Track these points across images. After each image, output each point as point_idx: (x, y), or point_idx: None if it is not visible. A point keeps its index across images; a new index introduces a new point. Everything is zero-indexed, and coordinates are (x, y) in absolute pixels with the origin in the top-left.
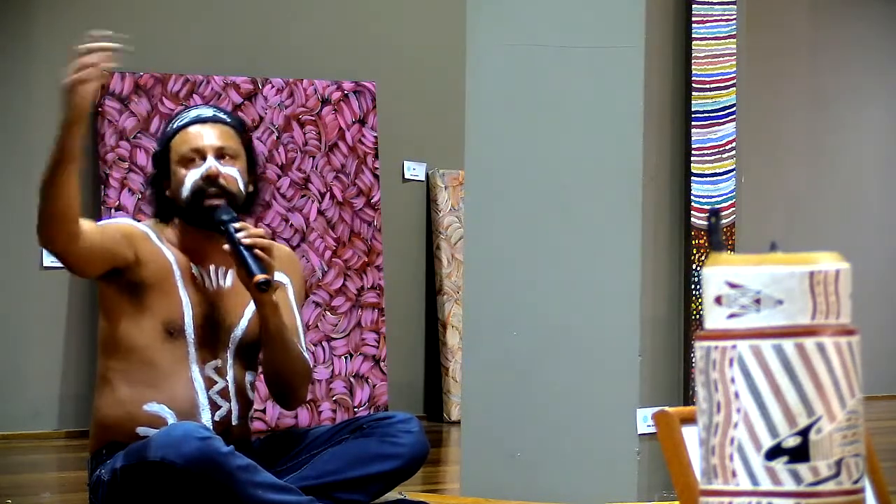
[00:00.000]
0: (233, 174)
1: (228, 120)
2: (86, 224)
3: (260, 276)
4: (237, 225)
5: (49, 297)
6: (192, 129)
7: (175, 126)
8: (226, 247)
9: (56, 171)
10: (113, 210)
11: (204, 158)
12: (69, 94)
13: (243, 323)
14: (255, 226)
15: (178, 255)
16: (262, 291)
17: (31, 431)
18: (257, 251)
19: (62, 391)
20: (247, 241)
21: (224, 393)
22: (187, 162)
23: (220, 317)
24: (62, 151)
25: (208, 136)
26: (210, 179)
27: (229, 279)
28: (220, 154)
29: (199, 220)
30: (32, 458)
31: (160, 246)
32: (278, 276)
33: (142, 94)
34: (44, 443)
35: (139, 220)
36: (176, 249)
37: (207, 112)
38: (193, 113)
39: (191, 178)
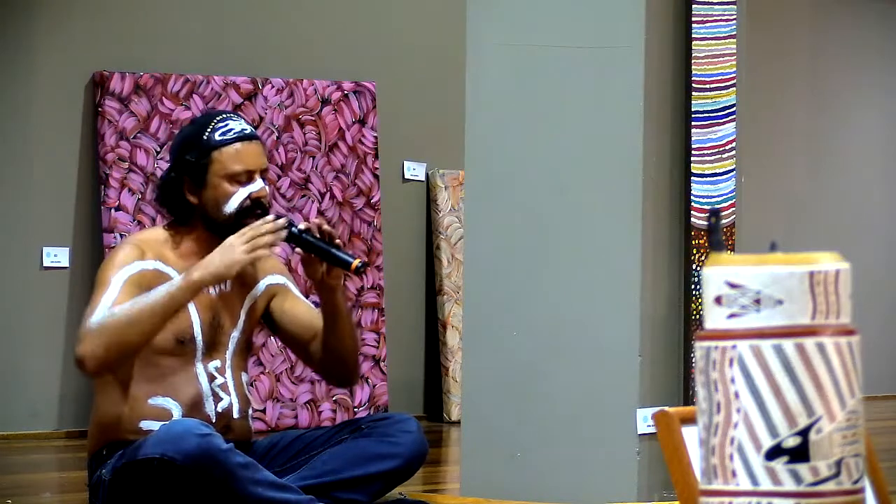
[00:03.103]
0: (266, 188)
1: (259, 135)
2: None
3: (357, 261)
4: (302, 226)
5: (49, 297)
6: (241, 146)
7: (218, 139)
8: (298, 250)
9: (171, 313)
10: (113, 210)
11: (251, 178)
12: (237, 256)
13: (240, 324)
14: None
15: (184, 268)
16: (360, 273)
17: (31, 431)
18: (336, 241)
19: (62, 391)
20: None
21: (224, 388)
22: (235, 179)
23: (221, 320)
24: (190, 297)
25: (257, 157)
26: (258, 201)
27: (228, 283)
28: (263, 174)
29: (230, 232)
30: (32, 458)
31: (167, 270)
32: (277, 279)
33: (142, 94)
34: (43, 443)
35: (144, 225)
36: (183, 262)
37: (246, 128)
38: (236, 128)
39: (239, 196)
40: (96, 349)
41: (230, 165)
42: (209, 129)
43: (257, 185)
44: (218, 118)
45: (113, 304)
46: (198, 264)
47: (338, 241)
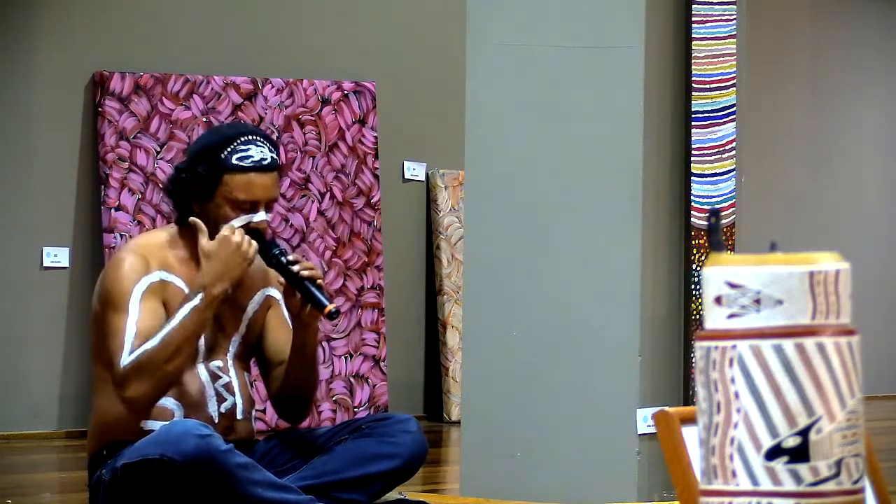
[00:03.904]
0: (268, 220)
1: (278, 161)
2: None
3: (332, 306)
4: (291, 258)
5: (49, 297)
6: (254, 176)
7: (234, 163)
8: (281, 280)
9: (201, 332)
10: (113, 210)
11: (255, 209)
12: (245, 254)
13: (242, 328)
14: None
15: (187, 274)
16: (333, 319)
17: (31, 431)
18: (318, 281)
19: (62, 391)
20: (306, 273)
21: (228, 387)
22: (239, 206)
23: (223, 322)
24: (215, 310)
25: (266, 190)
26: (256, 231)
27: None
28: (269, 205)
29: None
30: (32, 458)
31: (172, 280)
32: (276, 293)
33: (142, 94)
34: (44, 443)
35: (144, 225)
36: (184, 266)
37: (266, 157)
38: (256, 156)
39: (237, 223)
40: (147, 392)
41: (237, 193)
42: (229, 149)
43: (259, 216)
44: (242, 139)
45: (138, 331)
46: (208, 274)
47: (319, 281)
